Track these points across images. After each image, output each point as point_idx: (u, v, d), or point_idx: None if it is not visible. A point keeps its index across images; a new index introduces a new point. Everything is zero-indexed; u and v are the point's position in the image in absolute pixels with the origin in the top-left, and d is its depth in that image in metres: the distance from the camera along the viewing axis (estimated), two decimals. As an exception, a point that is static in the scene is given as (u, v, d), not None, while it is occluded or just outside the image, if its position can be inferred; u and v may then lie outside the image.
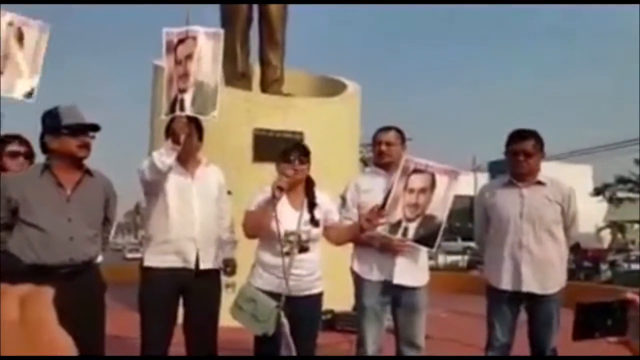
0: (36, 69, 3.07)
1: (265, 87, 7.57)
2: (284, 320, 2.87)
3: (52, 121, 2.75)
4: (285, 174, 2.97)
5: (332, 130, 7.03)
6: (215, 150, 6.28)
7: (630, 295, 1.13)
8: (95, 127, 2.81)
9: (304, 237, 3.03)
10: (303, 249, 3.03)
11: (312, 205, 3.11)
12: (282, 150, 3.20)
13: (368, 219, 2.95)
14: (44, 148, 2.79)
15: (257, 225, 3.00)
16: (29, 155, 3.38)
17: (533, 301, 3.32)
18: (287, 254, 2.98)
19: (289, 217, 3.02)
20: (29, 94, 3.05)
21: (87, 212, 2.81)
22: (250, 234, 3.08)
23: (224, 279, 3.33)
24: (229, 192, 3.34)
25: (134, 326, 3.17)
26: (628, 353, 1.12)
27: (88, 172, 2.86)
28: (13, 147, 3.31)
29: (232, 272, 3.34)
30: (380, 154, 3.39)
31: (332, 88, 8.14)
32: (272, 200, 2.92)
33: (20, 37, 3.01)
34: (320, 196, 3.19)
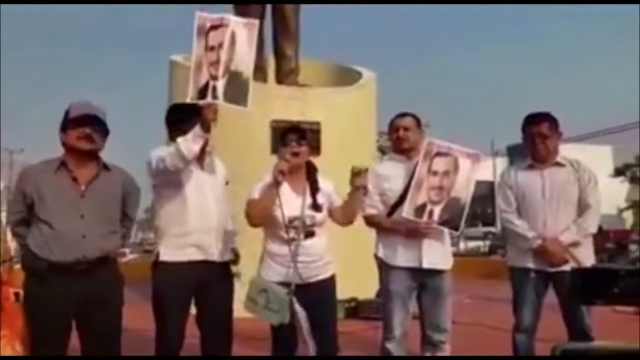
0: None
1: (280, 79, 7.56)
2: (297, 307, 2.83)
3: (64, 116, 2.79)
4: (285, 159, 2.95)
5: (349, 119, 7.03)
6: (233, 142, 6.33)
7: None
8: (92, 119, 2.76)
9: (308, 221, 2.99)
10: (308, 234, 3.01)
11: (314, 190, 3.07)
12: (279, 134, 3.17)
13: (351, 180, 3.03)
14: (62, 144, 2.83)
15: (262, 213, 2.96)
16: None
17: (561, 280, 3.32)
18: (293, 239, 2.96)
19: (291, 202, 2.98)
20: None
21: (102, 207, 2.79)
22: (255, 222, 3.02)
23: (232, 268, 3.28)
24: (227, 182, 3.29)
25: (143, 319, 3.15)
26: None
27: (105, 166, 2.85)
28: None
29: (236, 261, 3.30)
30: (397, 139, 3.40)
31: (347, 77, 8.13)
32: (275, 185, 2.89)
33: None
34: (323, 182, 3.15)
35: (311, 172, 3.13)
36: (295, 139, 3.05)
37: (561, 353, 0.70)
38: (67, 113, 2.79)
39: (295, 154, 3.01)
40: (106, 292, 2.79)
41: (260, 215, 2.98)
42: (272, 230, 3.04)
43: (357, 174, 3.03)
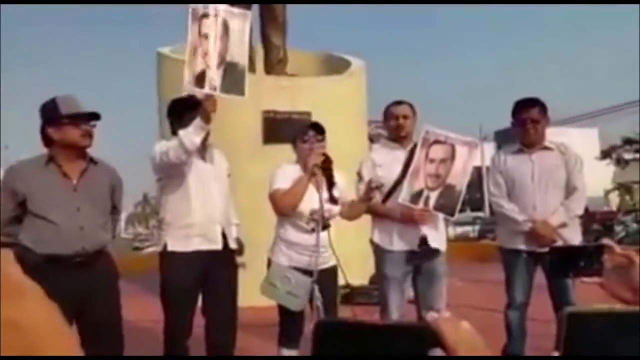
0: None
1: (269, 69, 7.57)
2: (317, 294, 2.95)
3: (51, 112, 2.76)
4: (317, 153, 3.07)
5: (339, 109, 7.04)
6: (225, 134, 6.33)
7: (606, 241, 1.25)
8: (96, 116, 2.83)
9: (326, 215, 3.08)
10: (325, 227, 3.10)
11: (330, 184, 3.16)
12: (297, 130, 3.26)
13: (366, 192, 3.14)
14: (47, 140, 2.79)
15: (295, 203, 3.05)
16: None
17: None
18: (313, 230, 3.05)
19: (311, 196, 3.07)
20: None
21: (95, 200, 2.84)
22: (284, 212, 3.10)
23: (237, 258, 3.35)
24: (229, 175, 3.36)
25: (149, 310, 3.18)
26: (604, 294, 1.22)
27: (92, 160, 2.89)
28: None
29: (241, 252, 3.38)
30: (397, 127, 3.44)
31: (336, 66, 8.13)
32: (311, 179, 3.02)
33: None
34: (337, 175, 3.24)
35: (328, 165, 3.19)
36: (315, 135, 3.14)
37: (568, 315, 0.78)
38: (55, 108, 2.76)
39: (317, 149, 3.10)
40: (104, 284, 2.83)
41: (292, 205, 3.06)
42: (291, 221, 3.11)
43: (376, 188, 3.15)
